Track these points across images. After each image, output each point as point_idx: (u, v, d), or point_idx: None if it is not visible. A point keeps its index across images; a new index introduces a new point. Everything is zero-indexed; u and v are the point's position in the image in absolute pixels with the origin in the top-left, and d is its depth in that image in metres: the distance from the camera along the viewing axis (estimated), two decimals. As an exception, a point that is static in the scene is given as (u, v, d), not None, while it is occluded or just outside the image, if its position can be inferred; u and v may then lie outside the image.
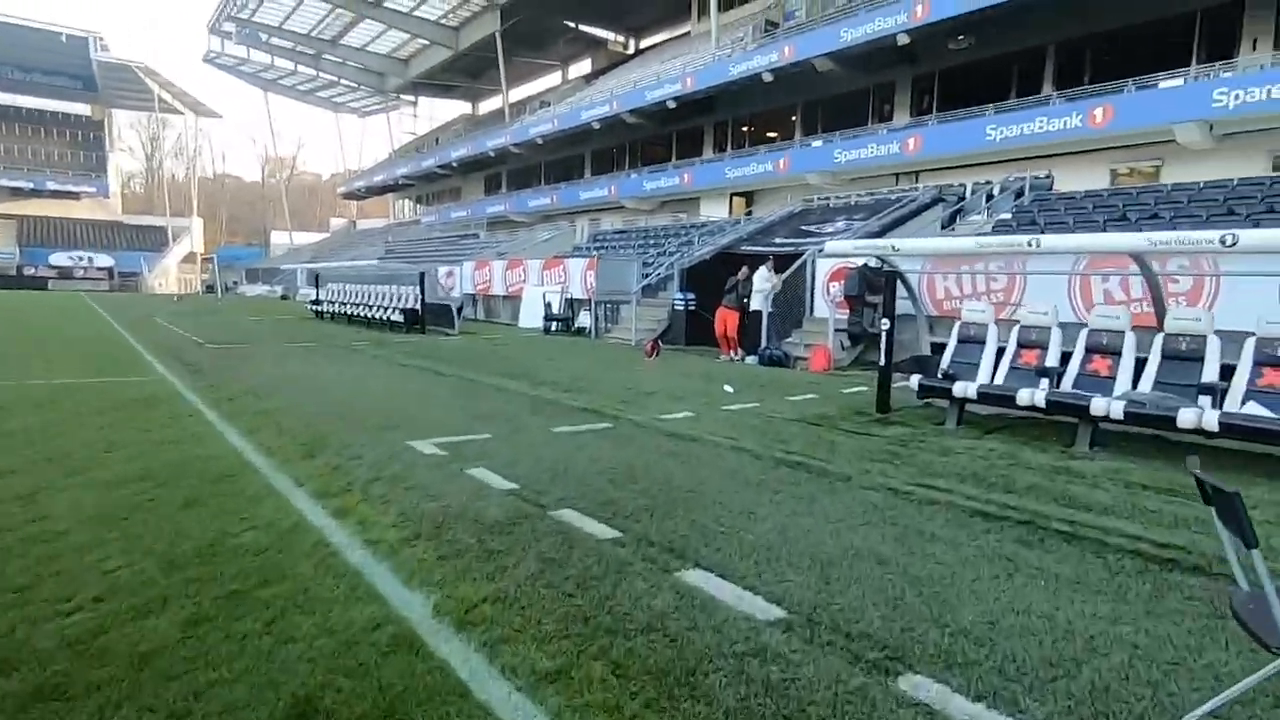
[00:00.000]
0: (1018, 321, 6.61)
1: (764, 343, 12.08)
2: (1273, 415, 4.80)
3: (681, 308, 14.65)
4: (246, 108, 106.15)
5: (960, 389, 6.08)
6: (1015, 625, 2.65)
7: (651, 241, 21.08)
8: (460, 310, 23.41)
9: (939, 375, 6.48)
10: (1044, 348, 6.19)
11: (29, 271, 50.38)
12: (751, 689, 2.18)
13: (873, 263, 12.08)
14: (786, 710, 2.09)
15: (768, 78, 23.66)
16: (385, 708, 2.06)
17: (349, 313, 19.45)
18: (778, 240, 16.53)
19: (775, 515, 3.87)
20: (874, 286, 11.81)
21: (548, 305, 17.17)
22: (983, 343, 6.58)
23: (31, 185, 57.52)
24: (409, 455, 4.98)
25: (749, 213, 22.76)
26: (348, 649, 2.36)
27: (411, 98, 58.29)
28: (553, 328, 16.96)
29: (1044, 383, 5.84)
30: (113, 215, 62.36)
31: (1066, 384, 5.89)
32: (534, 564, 3.08)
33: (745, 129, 29.06)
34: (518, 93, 48.55)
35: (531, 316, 18.62)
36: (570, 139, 33.99)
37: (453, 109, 58.73)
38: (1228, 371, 5.22)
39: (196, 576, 2.90)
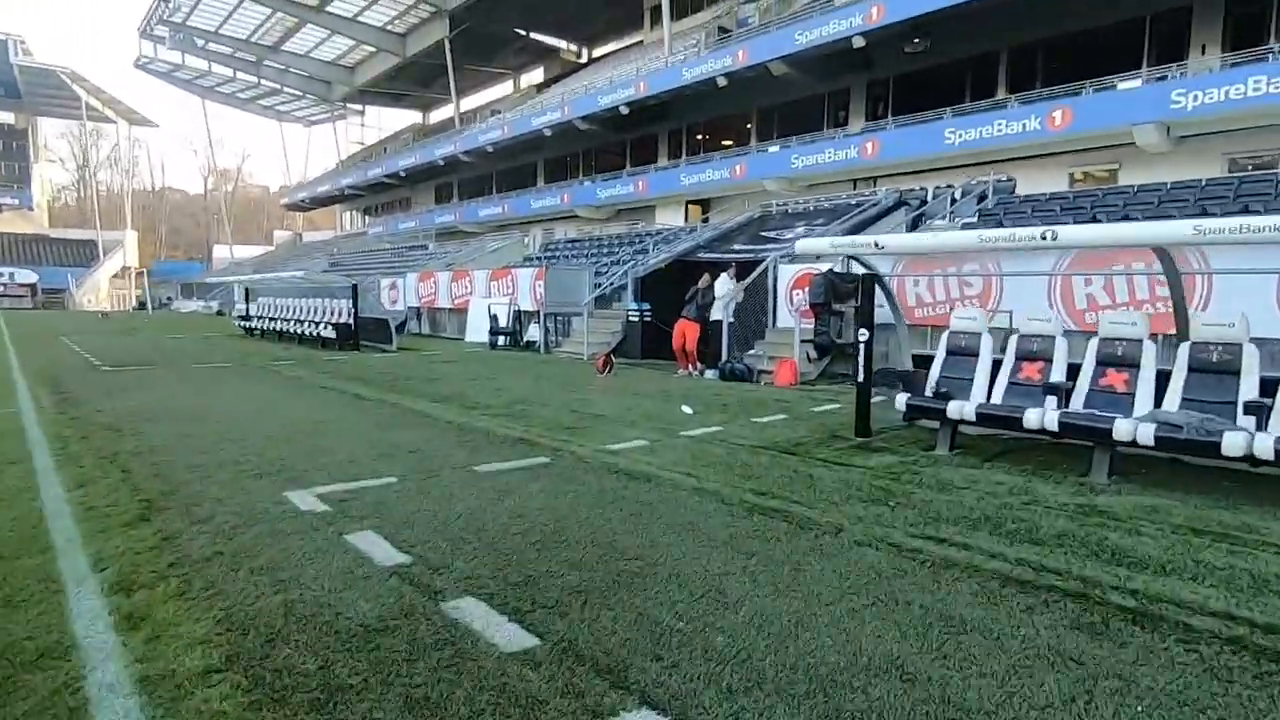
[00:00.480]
0: (1004, 330, 5.84)
1: (725, 356, 11.18)
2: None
3: (637, 319, 13.70)
4: (187, 118, 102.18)
5: (955, 409, 5.21)
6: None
7: (605, 250, 20.12)
8: (404, 325, 22.14)
9: (932, 393, 5.62)
10: (1048, 360, 5.37)
11: (-59, 289, 47.04)
12: None
13: (839, 266, 11.34)
14: None
15: (722, 82, 23.02)
16: None
17: (280, 329, 18.00)
18: (736, 247, 15.71)
19: (751, 596, 2.89)
20: (841, 293, 11.03)
21: (493, 318, 16.02)
22: (976, 354, 5.74)
23: (-55, 197, 53.99)
24: (278, 513, 3.88)
25: (705, 219, 21.97)
26: None
27: (359, 106, 56.49)
28: (499, 342, 15.82)
29: (1051, 401, 5.00)
30: (38, 229, 58.98)
31: (1076, 402, 5.07)
32: (396, 713, 2.04)
33: (701, 136, 28.42)
34: (469, 102, 47.33)
35: (478, 330, 17.44)
36: (523, 147, 32.92)
37: (403, 118, 57.14)
38: (1268, 386, 4.44)
39: None
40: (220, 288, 42.71)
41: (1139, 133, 16.02)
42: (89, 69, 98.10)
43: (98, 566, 3.06)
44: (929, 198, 15.91)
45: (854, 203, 17.07)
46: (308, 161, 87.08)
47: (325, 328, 15.40)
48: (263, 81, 51.95)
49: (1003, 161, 18.07)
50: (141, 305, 47.68)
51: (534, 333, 15.71)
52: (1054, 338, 5.38)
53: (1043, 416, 4.78)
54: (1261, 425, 4.24)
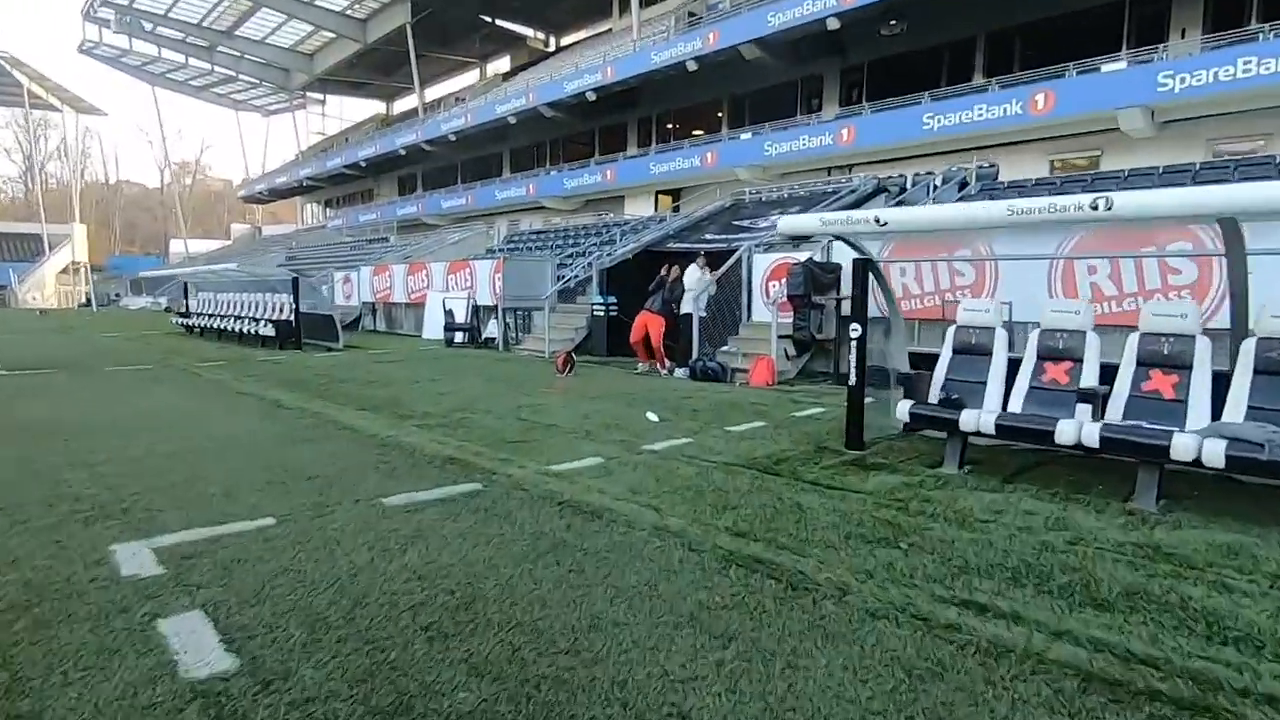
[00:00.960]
0: (1018, 324, 5.00)
1: (696, 353, 10.26)
2: None
3: (602, 313, 12.72)
4: (142, 107, 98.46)
5: (970, 420, 4.33)
6: None
7: (570, 241, 19.11)
8: (358, 321, 20.91)
9: (938, 399, 4.74)
10: (1076, 359, 4.51)
11: None
12: None
13: (819, 255, 10.47)
14: None
15: (692, 66, 22.09)
16: None
17: (220, 327, 16.68)
18: (708, 236, 14.81)
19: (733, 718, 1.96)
20: (821, 285, 10.17)
21: (449, 313, 14.91)
22: (988, 353, 4.87)
23: (-126, 190, 50.95)
24: (84, 581, 2.85)
25: (676, 209, 21.04)
26: None
27: (320, 96, 54.50)
28: (455, 339, 14.73)
29: (1085, 410, 4.14)
30: (-23, 222, 56.07)
31: (1114, 411, 4.22)
32: None
33: (671, 125, 27.46)
34: (434, 91, 45.79)
35: (435, 327, 16.32)
36: (488, 136, 31.67)
37: (365, 108, 55.33)
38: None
39: None
40: (170, 283, 40.81)
41: (1124, 117, 15.42)
42: (30, 54, 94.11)
43: None
44: (909, 185, 15.16)
45: (830, 189, 16.29)
46: (266, 153, 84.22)
47: (265, 325, 14.17)
48: (217, 68, 49.76)
49: (982, 148, 17.41)
50: (87, 302, 45.46)
51: (493, 329, 14.66)
52: (1084, 333, 4.52)
53: (1079, 430, 3.92)
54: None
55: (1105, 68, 15.96)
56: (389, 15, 37.53)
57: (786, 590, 2.85)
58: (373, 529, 3.52)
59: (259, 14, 41.46)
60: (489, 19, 39.09)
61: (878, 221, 4.11)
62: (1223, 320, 5.19)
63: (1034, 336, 4.73)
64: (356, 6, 38.93)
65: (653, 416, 6.63)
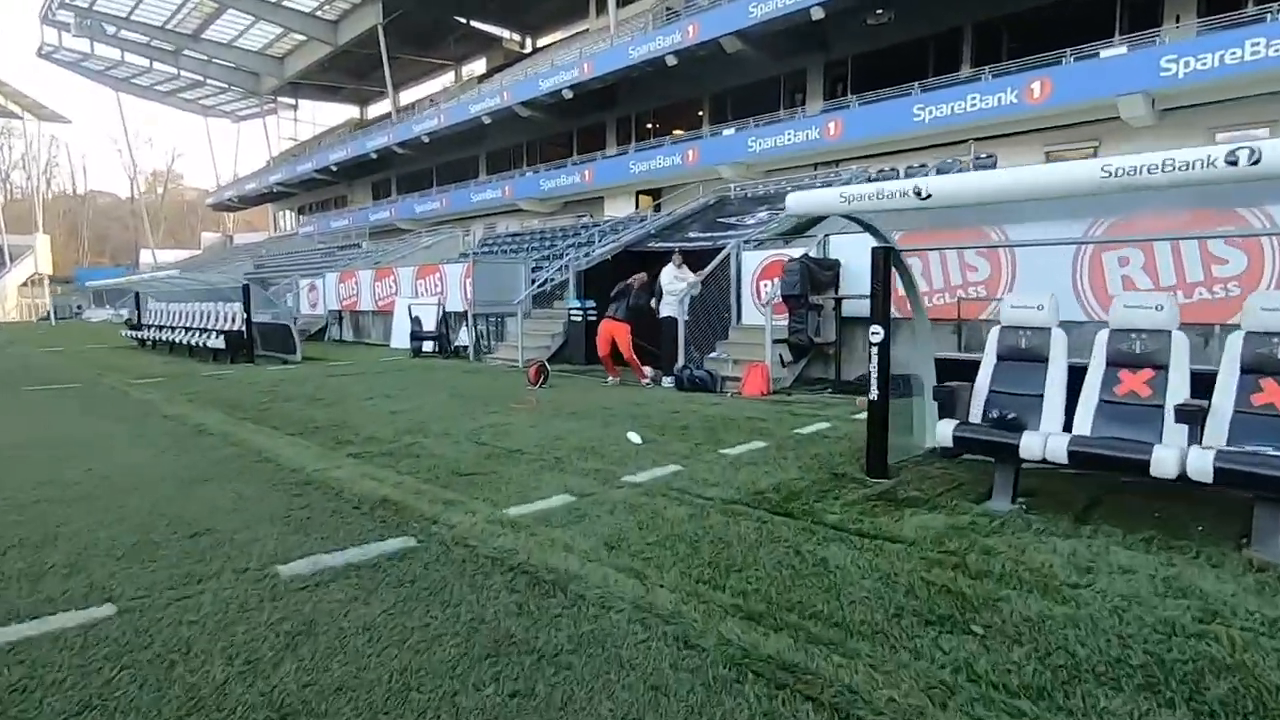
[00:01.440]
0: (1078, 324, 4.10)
1: (682, 360, 9.33)
2: None
3: (580, 319, 11.77)
4: (111, 116, 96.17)
5: (1034, 445, 3.42)
6: None
7: (548, 244, 18.17)
8: (324, 330, 19.81)
9: (983, 417, 3.84)
10: (1160, 366, 3.63)
11: None
12: None
13: (814, 251, 9.60)
14: None
15: (672, 61, 21.23)
16: None
17: (171, 339, 15.52)
18: (691, 235, 13.94)
19: None
20: (819, 283, 9.30)
21: (415, 320, 13.87)
22: (1043, 359, 3.97)
23: None
24: None
25: (657, 208, 20.14)
26: None
27: (291, 100, 53.07)
28: (423, 348, 13.70)
29: (1179, 431, 3.26)
30: (-65, 234, 53.95)
31: (1215, 433, 3.34)
32: None
33: (650, 124, 26.57)
34: (409, 95, 44.70)
35: (403, 335, 15.29)
36: (463, 139, 30.61)
37: (339, 113, 53.97)
38: None
39: None
40: (131, 294, 39.31)
41: (1124, 104, 14.75)
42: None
43: None
44: (901, 178, 14.37)
45: (820, 184, 15.47)
46: (237, 159, 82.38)
47: (214, 336, 13.07)
48: (183, 73, 48.30)
49: (975, 140, 16.68)
50: (47, 315, 43.82)
51: (464, 337, 13.65)
52: (1168, 333, 3.63)
53: (1181, 459, 3.02)
54: None
55: (1105, 53, 15.28)
56: (360, 16, 36.44)
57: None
58: (247, 620, 2.55)
59: (225, 16, 40.14)
60: (463, 20, 38.07)
61: (918, 194, 3.20)
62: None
63: (1102, 338, 3.83)
64: (326, 8, 37.80)
65: (635, 438, 5.69)
